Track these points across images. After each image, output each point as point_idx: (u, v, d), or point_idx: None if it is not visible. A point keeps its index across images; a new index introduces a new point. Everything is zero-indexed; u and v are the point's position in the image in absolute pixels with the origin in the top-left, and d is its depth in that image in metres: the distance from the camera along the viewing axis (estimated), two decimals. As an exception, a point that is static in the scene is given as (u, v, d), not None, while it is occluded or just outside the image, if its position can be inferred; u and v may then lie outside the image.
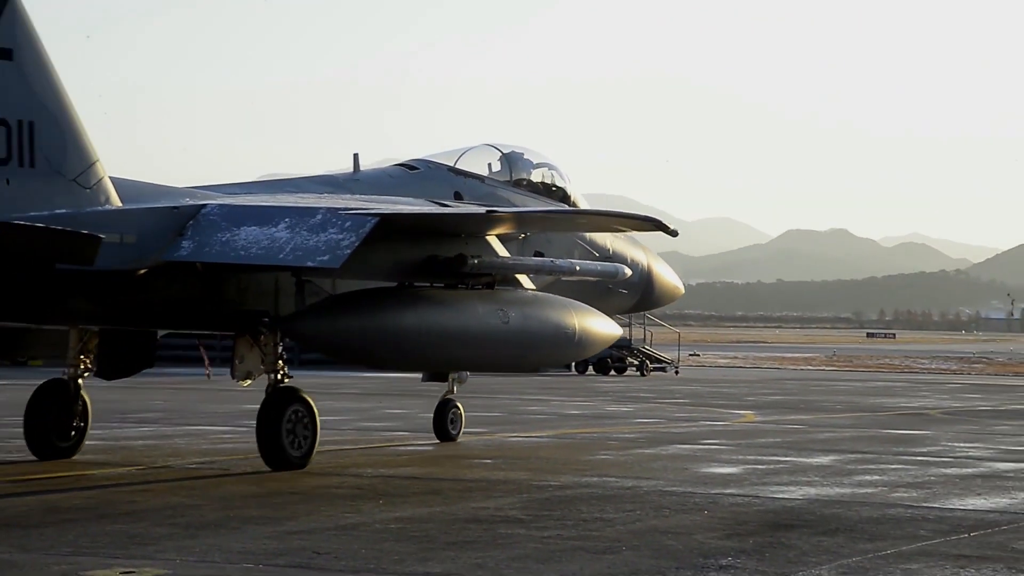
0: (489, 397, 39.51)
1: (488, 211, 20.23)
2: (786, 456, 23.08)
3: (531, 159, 24.38)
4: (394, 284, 20.12)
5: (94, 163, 17.85)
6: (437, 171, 22.87)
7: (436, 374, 24.03)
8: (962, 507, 16.90)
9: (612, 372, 63.65)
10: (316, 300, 19.70)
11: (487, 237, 21.03)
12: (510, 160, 23.96)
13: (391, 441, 24.98)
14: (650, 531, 14.41)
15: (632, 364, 64.41)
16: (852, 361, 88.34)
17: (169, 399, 36.79)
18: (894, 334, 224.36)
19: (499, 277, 21.05)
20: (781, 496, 17.60)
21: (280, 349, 20.16)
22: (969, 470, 21.41)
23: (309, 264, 17.92)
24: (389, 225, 18.66)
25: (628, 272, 23.55)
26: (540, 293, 21.92)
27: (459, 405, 24.89)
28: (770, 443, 25.92)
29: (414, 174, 22.64)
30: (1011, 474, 20.90)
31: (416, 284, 20.29)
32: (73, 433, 21.00)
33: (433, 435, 24.83)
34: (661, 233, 20.79)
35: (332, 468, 20.03)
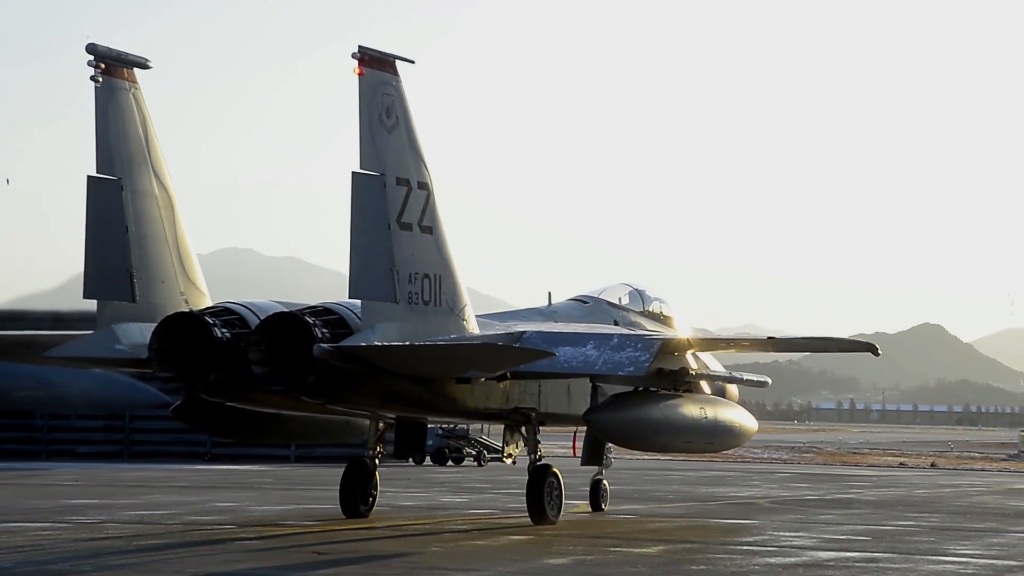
0: (323, 489, 39.06)
1: (769, 338, 27.45)
2: (616, 547, 23.24)
3: (651, 294, 30.98)
4: (632, 388, 26.78)
5: (467, 304, 25.07)
6: (599, 304, 29.70)
7: (592, 457, 30.06)
8: (783, 596, 17.16)
9: (449, 462, 63.41)
10: (603, 399, 26.41)
11: (688, 354, 27.70)
12: (640, 295, 30.62)
13: (217, 535, 24.48)
14: (475, 625, 14.32)
15: (469, 454, 64.24)
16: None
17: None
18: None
19: (694, 383, 28.07)
20: (608, 587, 17.67)
21: (538, 436, 27.37)
22: (792, 559, 21.80)
23: (620, 373, 24.87)
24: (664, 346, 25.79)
25: (769, 381, 31.35)
26: (716, 396, 29.25)
27: (606, 483, 31.73)
28: (601, 533, 26.07)
29: (587, 307, 29.48)
30: (832, 563, 21.32)
31: (650, 388, 27.05)
32: (371, 499, 28.53)
33: (263, 528, 24.57)
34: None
35: (146, 567, 19.52)
